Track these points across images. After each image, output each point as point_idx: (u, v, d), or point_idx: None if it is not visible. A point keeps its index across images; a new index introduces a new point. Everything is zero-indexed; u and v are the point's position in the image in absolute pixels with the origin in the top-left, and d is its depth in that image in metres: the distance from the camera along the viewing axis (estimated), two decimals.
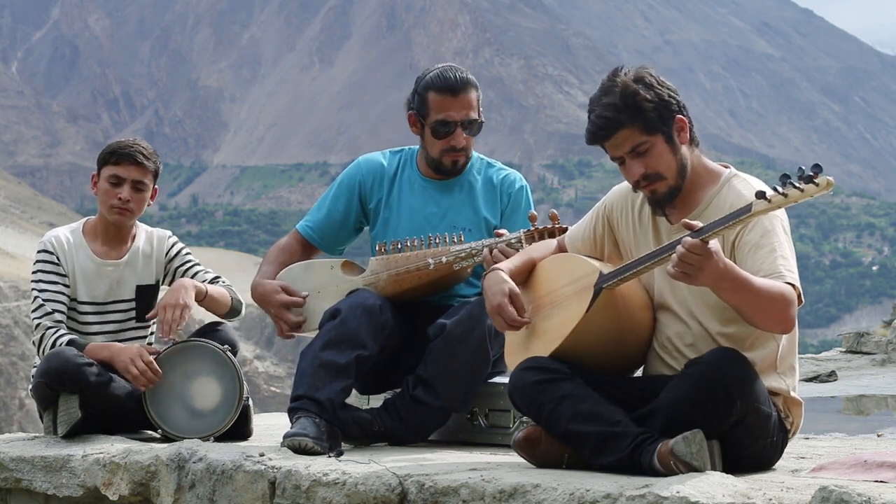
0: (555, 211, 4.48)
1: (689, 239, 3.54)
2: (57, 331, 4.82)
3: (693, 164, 3.85)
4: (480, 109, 4.71)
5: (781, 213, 3.75)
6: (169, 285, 5.02)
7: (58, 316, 4.86)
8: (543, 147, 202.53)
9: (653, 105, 3.76)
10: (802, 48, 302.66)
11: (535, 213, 4.53)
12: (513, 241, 4.44)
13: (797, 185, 3.46)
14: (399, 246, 4.62)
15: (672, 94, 3.81)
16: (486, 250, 4.45)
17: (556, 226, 4.42)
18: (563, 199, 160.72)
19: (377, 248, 4.69)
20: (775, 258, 3.69)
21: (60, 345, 4.76)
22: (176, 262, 5.04)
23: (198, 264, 5.07)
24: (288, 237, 4.91)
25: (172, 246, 5.06)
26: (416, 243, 4.60)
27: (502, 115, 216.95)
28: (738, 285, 3.57)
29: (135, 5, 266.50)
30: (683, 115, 3.82)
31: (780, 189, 3.49)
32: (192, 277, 5.00)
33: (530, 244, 4.38)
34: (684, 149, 3.83)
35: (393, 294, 4.60)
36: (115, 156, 4.92)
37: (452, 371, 4.44)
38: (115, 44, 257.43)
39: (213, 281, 5.02)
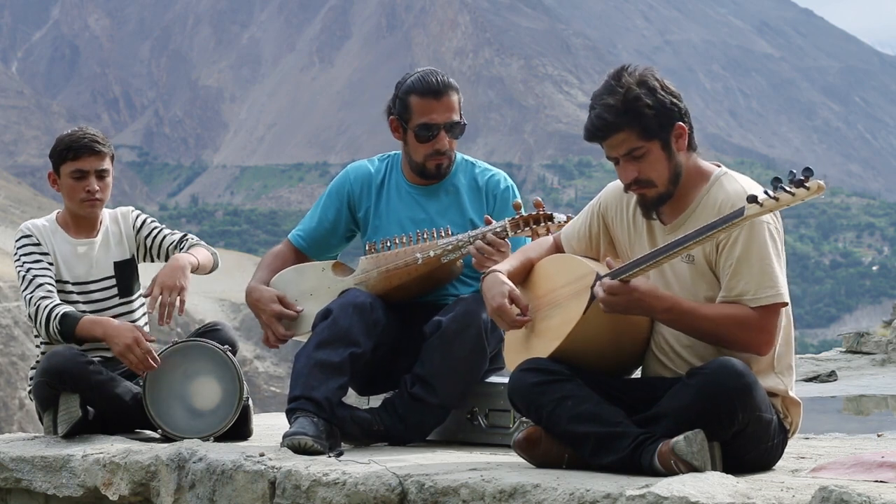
0: (539, 199, 4.49)
1: (607, 280, 3.68)
2: (51, 301, 4.83)
3: (687, 167, 3.85)
4: (462, 112, 4.72)
5: (770, 217, 3.74)
6: (143, 258, 5.11)
7: (48, 287, 4.87)
8: (543, 147, 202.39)
9: (653, 112, 3.75)
10: (802, 48, 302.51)
11: (519, 201, 4.59)
12: (498, 229, 4.47)
13: (788, 188, 3.47)
14: (388, 244, 4.65)
15: (675, 100, 3.79)
16: (471, 247, 4.48)
17: (541, 213, 4.45)
18: (563, 199, 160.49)
19: (367, 248, 4.72)
20: (750, 277, 3.70)
21: (57, 315, 4.75)
22: (143, 233, 5.11)
23: (164, 229, 5.13)
24: (281, 245, 4.97)
25: (137, 218, 5.13)
26: (404, 240, 4.64)
27: (502, 115, 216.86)
28: (676, 318, 3.71)
29: (135, 5, 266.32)
30: (684, 122, 3.81)
31: (771, 193, 3.50)
32: (160, 243, 5.08)
33: (515, 232, 4.46)
34: (681, 156, 3.82)
35: (384, 291, 4.62)
36: (73, 150, 4.95)
37: (449, 368, 4.45)
38: (115, 44, 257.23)
39: (182, 241, 5.09)
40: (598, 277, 3.80)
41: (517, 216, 4.48)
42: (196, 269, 4.90)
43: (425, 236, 4.61)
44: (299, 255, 4.91)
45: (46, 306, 4.81)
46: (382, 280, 4.63)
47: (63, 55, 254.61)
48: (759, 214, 3.55)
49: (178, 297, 4.76)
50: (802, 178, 3.44)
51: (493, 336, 4.48)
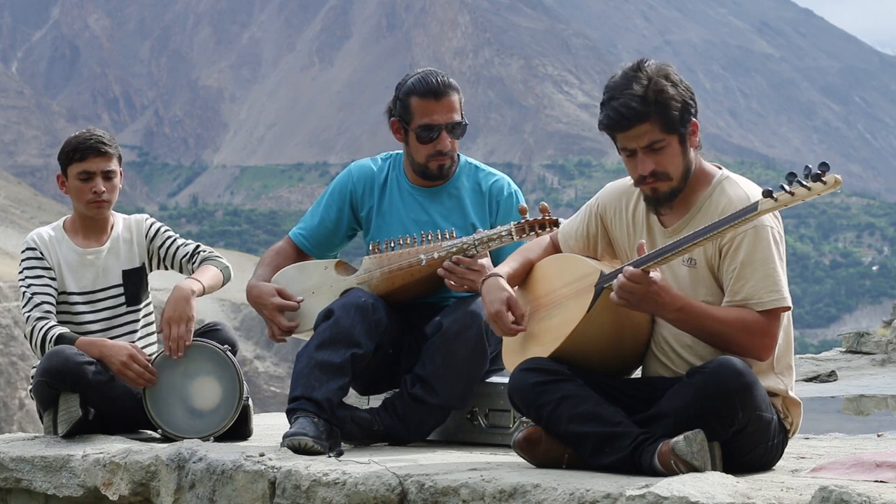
0: (545, 203, 4.48)
1: (629, 268, 3.62)
2: (47, 322, 4.84)
3: (695, 166, 3.85)
4: (463, 112, 4.70)
5: (772, 221, 3.75)
6: (157, 267, 5.07)
7: (46, 307, 4.88)
8: (543, 147, 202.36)
9: (677, 104, 3.74)
10: (802, 48, 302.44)
11: (525, 206, 4.57)
12: (503, 234, 4.46)
13: (805, 183, 3.45)
14: (392, 244, 4.64)
15: (692, 96, 3.80)
16: (447, 263, 4.47)
17: (547, 218, 4.43)
18: (563, 199, 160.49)
19: (370, 248, 4.71)
20: (755, 281, 3.70)
21: (52, 337, 4.77)
22: (157, 242, 5.09)
23: (178, 239, 5.11)
24: (282, 241, 4.94)
25: (150, 227, 5.11)
26: (408, 241, 4.62)
27: (502, 115, 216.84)
28: (685, 318, 3.69)
29: (135, 5, 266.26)
30: (696, 119, 3.82)
31: (787, 187, 3.48)
32: (173, 254, 5.06)
33: (520, 237, 4.43)
34: (692, 152, 3.83)
35: (386, 292, 4.61)
36: (79, 152, 4.95)
37: (450, 368, 4.45)
38: (115, 44, 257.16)
39: (195, 253, 5.07)
40: (603, 276, 3.80)
41: (523, 220, 4.47)
42: (202, 293, 4.88)
43: (429, 238, 4.60)
44: (301, 253, 4.89)
45: (42, 328, 4.82)
46: (385, 280, 4.62)
47: (63, 55, 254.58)
48: (773, 209, 3.54)
49: (185, 327, 4.75)
50: (819, 172, 3.43)
51: (493, 337, 4.47)
